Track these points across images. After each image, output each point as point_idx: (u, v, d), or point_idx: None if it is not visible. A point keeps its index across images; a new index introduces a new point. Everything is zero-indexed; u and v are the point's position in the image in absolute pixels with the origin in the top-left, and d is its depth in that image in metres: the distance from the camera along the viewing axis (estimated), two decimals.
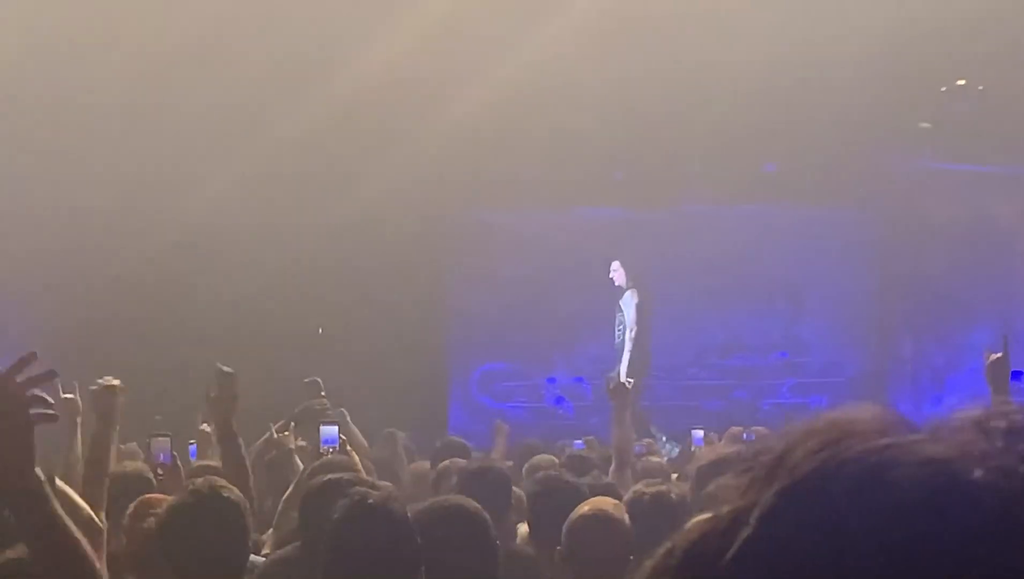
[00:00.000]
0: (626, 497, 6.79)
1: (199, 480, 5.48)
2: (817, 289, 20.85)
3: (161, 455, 7.71)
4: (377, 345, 19.81)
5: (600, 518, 5.74)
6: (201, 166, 18.16)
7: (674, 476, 9.87)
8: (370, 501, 4.77)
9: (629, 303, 18.80)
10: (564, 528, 5.73)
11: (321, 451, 8.57)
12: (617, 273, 18.92)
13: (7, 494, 3.40)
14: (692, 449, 11.73)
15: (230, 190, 18.59)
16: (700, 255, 20.02)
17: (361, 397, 18.96)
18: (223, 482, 5.39)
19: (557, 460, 9.91)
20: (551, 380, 21.01)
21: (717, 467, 7.81)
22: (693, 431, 12.28)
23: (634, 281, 18.90)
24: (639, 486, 6.99)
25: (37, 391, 3.44)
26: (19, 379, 3.43)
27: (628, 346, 18.80)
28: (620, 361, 18.74)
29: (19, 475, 3.30)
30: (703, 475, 7.46)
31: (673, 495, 6.72)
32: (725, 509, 1.06)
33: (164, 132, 17.68)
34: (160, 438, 7.84)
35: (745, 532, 1.02)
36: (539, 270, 20.20)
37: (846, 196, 20.06)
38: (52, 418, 3.43)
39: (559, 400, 20.90)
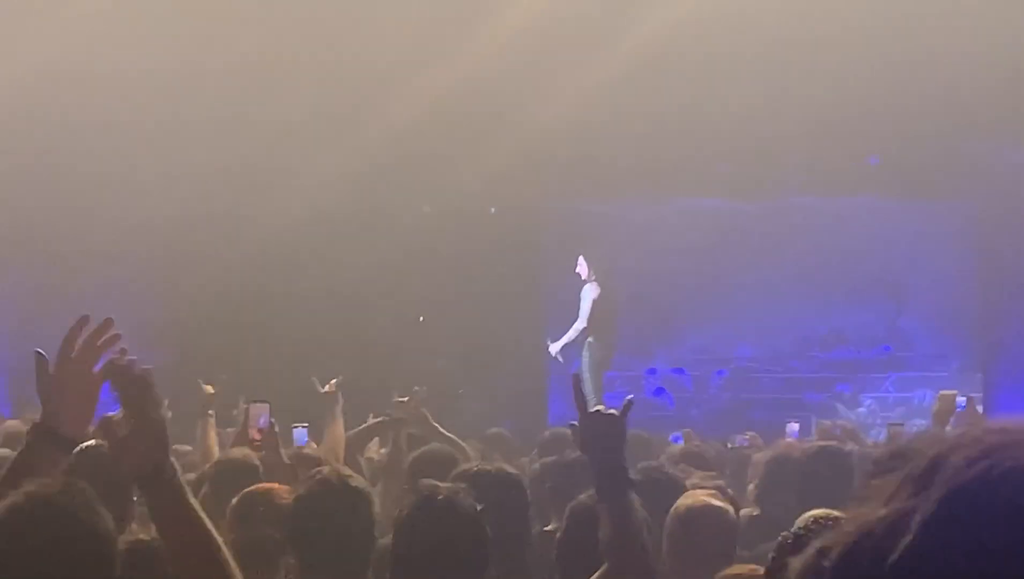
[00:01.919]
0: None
1: (326, 469, 5.49)
2: (920, 282, 20.63)
3: (261, 419, 7.77)
4: (477, 337, 19.89)
5: (705, 510, 5.73)
6: (298, 161, 18.30)
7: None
8: (439, 496, 4.76)
9: (587, 296, 18.73)
10: (668, 520, 5.72)
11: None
12: (582, 267, 18.86)
13: (142, 483, 3.51)
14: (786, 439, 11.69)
15: (327, 184, 18.75)
16: (801, 247, 19.91)
17: (462, 388, 19.14)
18: (349, 471, 5.41)
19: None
20: (651, 371, 20.97)
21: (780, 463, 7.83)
22: (788, 425, 12.24)
23: (597, 276, 18.80)
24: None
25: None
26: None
27: (570, 334, 18.76)
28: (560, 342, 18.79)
29: (154, 466, 3.41)
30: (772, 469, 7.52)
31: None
32: (879, 513, 1.08)
33: (261, 126, 17.84)
34: (259, 404, 7.89)
35: (907, 538, 1.04)
36: (639, 261, 20.15)
37: (949, 188, 19.86)
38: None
39: (659, 391, 20.85)
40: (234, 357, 18.40)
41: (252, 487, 6.11)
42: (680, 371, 20.93)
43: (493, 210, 20.42)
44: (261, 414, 7.79)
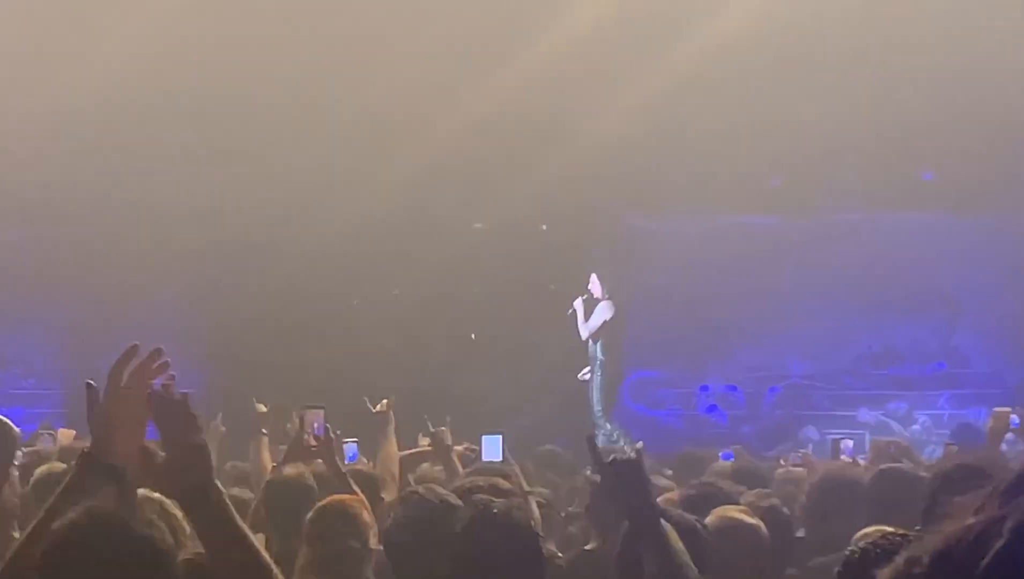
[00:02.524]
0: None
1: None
2: (975, 298, 20.50)
3: (315, 425, 7.77)
4: (529, 353, 19.91)
5: (736, 526, 5.73)
6: (350, 179, 18.34)
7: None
8: (494, 510, 4.75)
9: (600, 314, 18.68)
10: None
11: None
12: (595, 285, 18.84)
13: (187, 505, 3.58)
14: (840, 458, 11.63)
15: (379, 202, 18.83)
16: (855, 263, 19.81)
17: (514, 404, 19.14)
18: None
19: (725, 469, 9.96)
20: (704, 388, 20.93)
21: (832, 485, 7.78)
22: (843, 442, 12.18)
23: (610, 295, 18.78)
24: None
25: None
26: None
27: (596, 354, 18.74)
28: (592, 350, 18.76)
29: (198, 488, 3.47)
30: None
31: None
32: (967, 522, 1.11)
33: (329, 132, 17.88)
34: (313, 410, 7.88)
35: (999, 542, 1.08)
36: (691, 278, 20.12)
37: (1004, 202, 19.73)
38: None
39: (712, 408, 20.81)
40: (287, 373, 18.50)
41: (326, 500, 6.09)
42: (733, 388, 20.88)
43: (544, 227, 20.44)
44: (315, 420, 7.78)
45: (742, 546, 5.66)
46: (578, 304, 18.62)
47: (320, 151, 18.25)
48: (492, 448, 8.64)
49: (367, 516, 6.01)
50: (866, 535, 3.88)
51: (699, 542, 4.92)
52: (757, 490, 7.84)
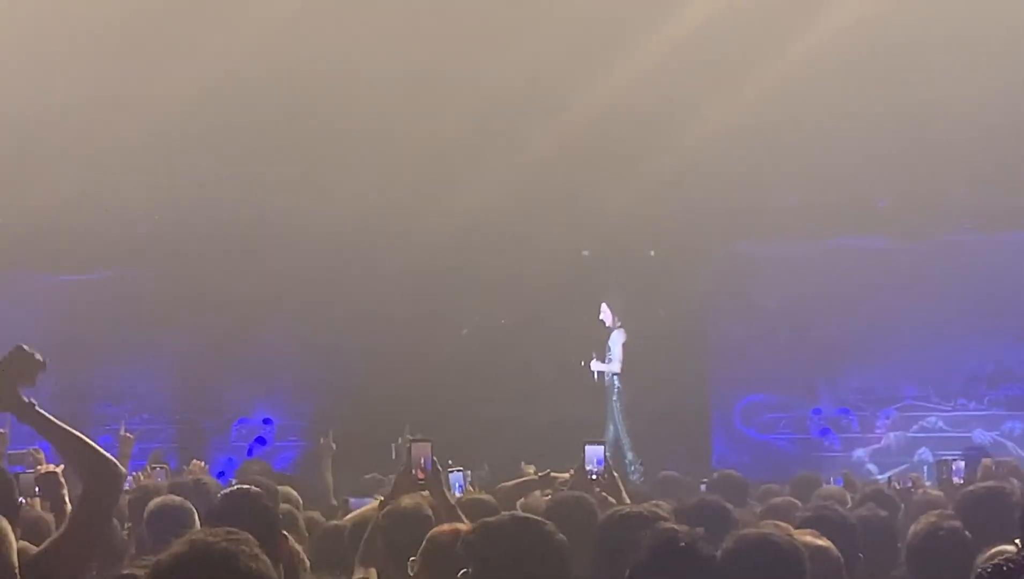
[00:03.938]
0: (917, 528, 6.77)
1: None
2: None
3: (423, 459, 7.79)
4: (639, 377, 19.90)
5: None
6: (447, 201, 18.37)
7: None
8: (681, 542, 4.73)
9: (616, 341, 18.59)
10: None
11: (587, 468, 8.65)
12: (605, 315, 18.75)
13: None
14: (953, 480, 11.49)
15: (480, 225, 18.93)
16: (966, 284, 19.60)
17: (625, 429, 19.14)
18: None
19: (848, 494, 9.91)
20: (816, 411, 20.79)
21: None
22: (954, 462, 12.03)
23: (621, 322, 18.67)
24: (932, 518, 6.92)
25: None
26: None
27: (614, 382, 18.64)
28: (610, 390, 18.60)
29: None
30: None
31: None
32: None
33: (414, 152, 17.94)
34: (421, 443, 7.90)
35: None
36: (800, 301, 20.02)
37: None
38: None
39: (824, 431, 20.65)
40: (391, 401, 18.70)
41: (437, 529, 6.09)
42: (845, 411, 20.72)
43: (653, 253, 20.43)
44: (423, 454, 7.80)
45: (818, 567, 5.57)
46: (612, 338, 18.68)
47: (414, 175, 18.31)
48: (594, 456, 8.69)
49: None
50: (993, 556, 3.84)
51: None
52: (868, 505, 7.81)
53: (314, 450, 14.67)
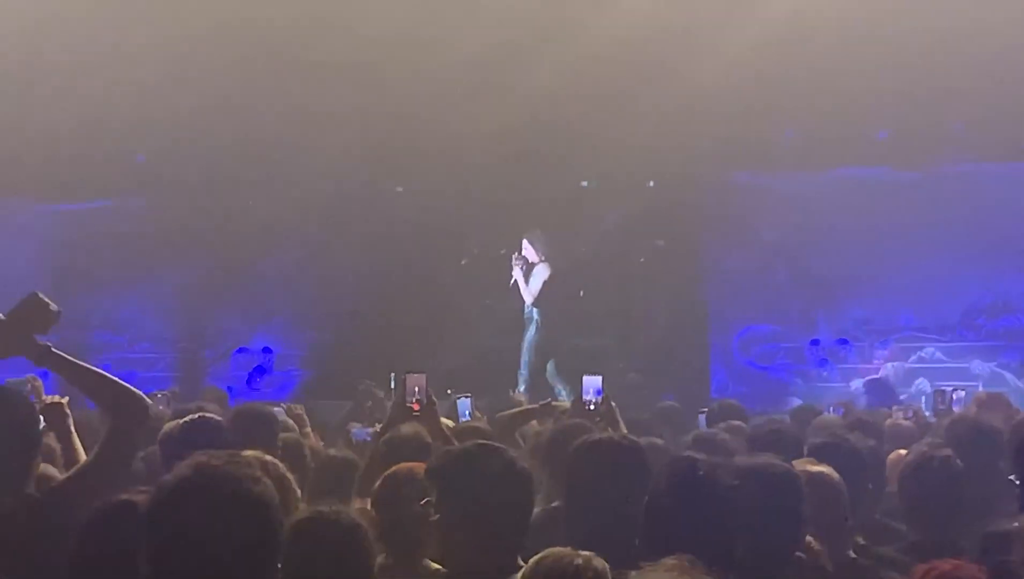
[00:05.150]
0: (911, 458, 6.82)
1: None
2: None
3: (417, 389, 7.82)
4: (638, 309, 19.95)
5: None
6: (448, 138, 18.33)
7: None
8: (699, 471, 4.78)
9: (538, 276, 18.63)
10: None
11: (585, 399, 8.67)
12: (528, 251, 18.77)
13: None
14: (952, 409, 11.53)
15: (482, 161, 18.91)
16: (964, 214, 19.57)
17: (622, 360, 19.18)
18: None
19: (842, 421, 9.96)
20: (814, 342, 20.82)
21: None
22: (954, 392, 12.08)
23: (547, 257, 18.71)
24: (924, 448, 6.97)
25: None
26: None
27: (532, 315, 18.68)
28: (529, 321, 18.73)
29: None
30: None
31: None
32: None
33: (413, 81, 17.88)
34: (415, 374, 7.93)
35: None
36: (799, 231, 20.03)
37: None
38: None
39: (823, 362, 20.70)
40: (394, 332, 18.74)
41: (394, 467, 6.10)
42: (844, 342, 20.75)
43: (651, 183, 20.41)
44: (417, 384, 7.83)
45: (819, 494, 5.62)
46: (517, 272, 18.69)
47: (418, 111, 18.27)
48: (592, 387, 8.71)
49: None
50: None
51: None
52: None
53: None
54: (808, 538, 5.29)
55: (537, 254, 18.69)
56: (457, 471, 5.10)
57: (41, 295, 5.38)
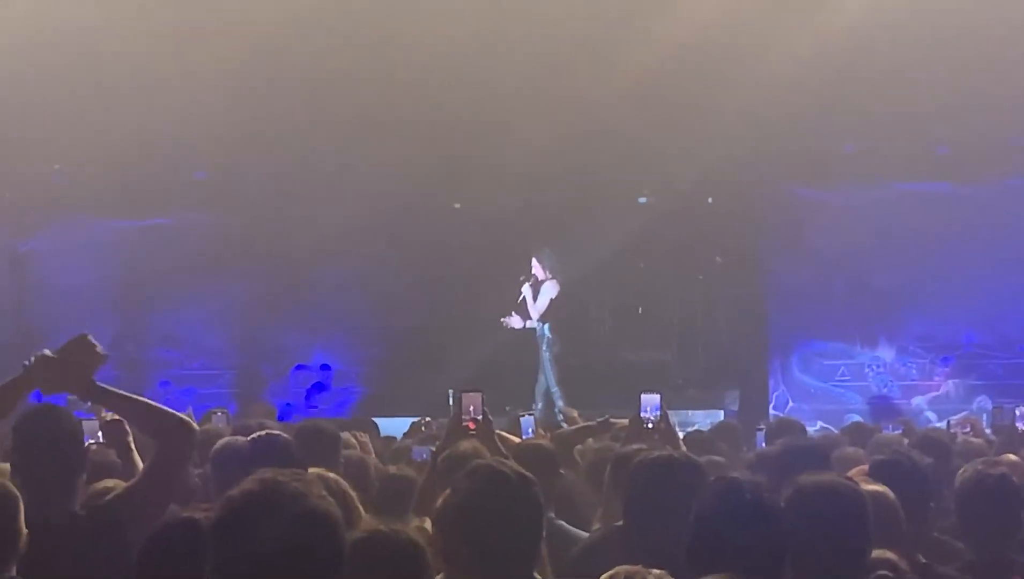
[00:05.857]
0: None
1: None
2: None
3: (472, 408, 7.83)
4: (696, 324, 19.90)
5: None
6: (511, 154, 18.34)
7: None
8: (746, 494, 4.73)
9: (546, 293, 18.63)
10: None
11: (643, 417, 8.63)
12: (536, 269, 18.81)
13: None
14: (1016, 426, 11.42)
15: (543, 177, 18.92)
16: None
17: (680, 375, 19.15)
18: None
19: (906, 440, 9.88)
20: (875, 358, 20.70)
21: None
22: (1018, 408, 11.95)
23: (555, 274, 18.73)
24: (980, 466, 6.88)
25: None
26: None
27: (544, 332, 18.64)
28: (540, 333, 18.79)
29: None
30: None
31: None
32: None
33: (472, 97, 17.91)
34: (471, 393, 7.93)
35: None
36: (859, 246, 19.92)
37: None
38: None
39: (883, 379, 20.58)
40: (449, 350, 18.78)
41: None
42: (905, 359, 20.63)
43: (711, 199, 20.36)
44: (473, 402, 7.84)
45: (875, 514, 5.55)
46: (526, 289, 18.76)
47: (477, 131, 18.31)
48: (649, 404, 8.67)
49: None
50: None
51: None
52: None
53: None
54: (889, 555, 5.25)
55: (544, 272, 18.79)
56: (471, 488, 5.05)
57: (90, 337, 5.48)
